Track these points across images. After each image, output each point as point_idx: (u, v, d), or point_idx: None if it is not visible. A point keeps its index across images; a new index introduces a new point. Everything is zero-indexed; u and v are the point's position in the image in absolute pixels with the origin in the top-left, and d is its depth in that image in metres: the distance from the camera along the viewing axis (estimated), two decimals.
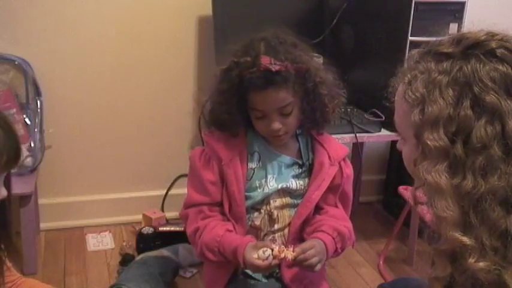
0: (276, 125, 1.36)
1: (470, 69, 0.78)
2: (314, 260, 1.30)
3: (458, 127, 0.77)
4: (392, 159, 2.56)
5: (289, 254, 1.28)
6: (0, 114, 1.09)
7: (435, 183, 0.78)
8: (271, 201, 1.45)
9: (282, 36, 1.39)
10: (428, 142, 0.79)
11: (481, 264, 0.75)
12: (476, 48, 0.79)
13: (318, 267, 1.32)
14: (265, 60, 1.31)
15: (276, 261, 1.28)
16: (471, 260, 0.75)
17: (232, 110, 1.38)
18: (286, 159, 1.46)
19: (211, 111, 1.45)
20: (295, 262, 1.29)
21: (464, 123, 0.77)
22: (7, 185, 1.14)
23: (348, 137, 1.90)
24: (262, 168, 1.44)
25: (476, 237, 0.76)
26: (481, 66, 0.78)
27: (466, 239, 0.76)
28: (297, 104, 1.38)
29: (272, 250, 1.28)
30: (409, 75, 0.85)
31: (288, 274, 1.43)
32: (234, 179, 1.40)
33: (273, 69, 1.30)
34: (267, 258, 1.27)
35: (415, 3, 1.82)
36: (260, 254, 1.27)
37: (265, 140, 1.46)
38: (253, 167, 1.44)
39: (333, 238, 1.39)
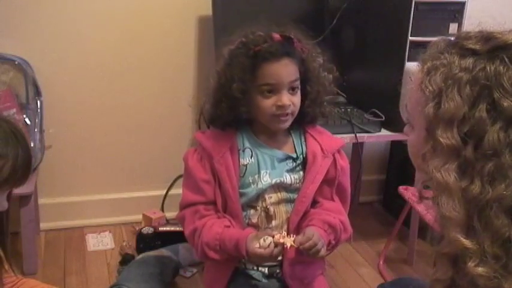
0: (287, 99, 1.36)
1: (493, 71, 0.76)
2: (319, 245, 1.31)
3: (471, 128, 0.76)
4: (393, 159, 2.56)
5: (289, 241, 1.29)
6: (20, 131, 1.12)
7: (444, 181, 0.77)
8: (267, 198, 1.44)
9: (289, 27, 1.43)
10: (441, 140, 0.77)
11: (480, 269, 0.74)
12: (503, 50, 0.77)
13: (322, 252, 1.33)
14: (278, 34, 1.37)
15: (278, 249, 1.29)
16: (471, 264, 0.75)
17: (245, 87, 1.36)
18: (279, 153, 1.46)
19: (222, 96, 1.40)
20: (302, 249, 1.30)
21: (478, 126, 0.75)
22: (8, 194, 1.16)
23: (348, 137, 1.90)
24: (255, 164, 1.44)
25: (479, 242, 0.75)
26: (505, 70, 0.76)
27: (468, 243, 0.75)
28: (299, 85, 1.41)
29: (273, 237, 1.29)
30: (429, 64, 0.83)
31: (288, 274, 1.43)
32: (226, 176, 1.40)
33: (290, 36, 1.37)
34: (268, 246, 1.28)
35: (415, 3, 1.82)
36: (261, 243, 1.28)
37: (256, 135, 1.46)
38: (246, 163, 1.44)
39: (324, 231, 1.38)
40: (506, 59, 0.76)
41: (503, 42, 0.78)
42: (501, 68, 0.76)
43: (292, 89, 1.38)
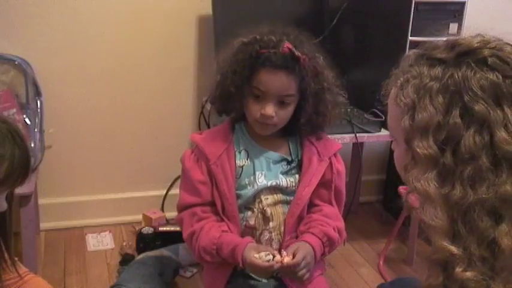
0: (270, 110, 1.36)
1: (460, 77, 0.77)
2: (302, 272, 1.32)
3: (447, 135, 0.77)
4: (392, 159, 2.55)
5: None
6: (18, 132, 1.11)
7: (424, 191, 0.78)
8: (263, 199, 1.44)
9: (305, 36, 1.42)
10: (418, 150, 0.78)
11: (469, 274, 0.75)
12: (468, 55, 0.78)
13: (306, 276, 1.34)
14: (289, 45, 1.35)
15: (275, 266, 1.29)
16: (459, 270, 0.75)
17: (240, 83, 1.37)
18: (274, 155, 1.46)
19: (219, 84, 1.43)
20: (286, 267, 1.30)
21: (453, 132, 0.76)
22: (9, 195, 1.16)
23: (348, 137, 1.90)
24: (251, 166, 1.45)
25: (465, 246, 0.75)
26: (472, 74, 0.76)
27: (453, 248, 0.76)
28: (295, 101, 1.40)
29: (274, 256, 1.29)
30: (401, 79, 0.84)
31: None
32: (223, 178, 1.40)
33: (296, 54, 1.34)
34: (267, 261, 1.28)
35: (415, 3, 1.83)
36: (261, 256, 1.28)
37: (251, 137, 1.46)
38: (242, 164, 1.44)
39: (322, 242, 1.40)
40: (473, 64, 0.77)
41: (467, 47, 0.79)
42: (468, 72, 0.77)
43: (282, 103, 1.38)
